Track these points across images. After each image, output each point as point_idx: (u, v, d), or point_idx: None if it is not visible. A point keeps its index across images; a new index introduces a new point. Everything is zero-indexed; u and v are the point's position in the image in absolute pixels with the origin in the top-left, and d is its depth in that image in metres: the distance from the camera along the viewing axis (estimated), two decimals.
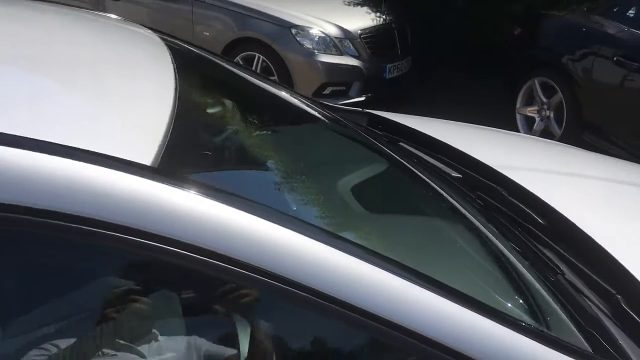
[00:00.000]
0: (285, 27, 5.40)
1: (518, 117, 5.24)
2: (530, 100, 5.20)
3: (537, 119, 5.10)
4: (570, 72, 4.79)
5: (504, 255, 1.50)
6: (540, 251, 1.61)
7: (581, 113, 4.74)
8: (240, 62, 5.52)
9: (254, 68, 5.52)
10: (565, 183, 2.07)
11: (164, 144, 1.05)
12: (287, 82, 5.34)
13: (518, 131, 5.14)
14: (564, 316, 1.36)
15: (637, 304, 1.39)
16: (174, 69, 1.42)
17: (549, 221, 1.74)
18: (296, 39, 5.38)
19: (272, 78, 5.42)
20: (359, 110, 2.58)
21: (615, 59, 4.44)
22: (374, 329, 1.02)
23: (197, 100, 1.65)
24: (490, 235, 1.59)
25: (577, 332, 1.32)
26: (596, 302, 1.45)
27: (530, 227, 1.71)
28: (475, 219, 1.67)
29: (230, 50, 5.57)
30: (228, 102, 1.91)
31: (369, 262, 1.05)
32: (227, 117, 1.78)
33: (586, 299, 1.46)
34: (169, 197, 0.92)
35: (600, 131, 4.65)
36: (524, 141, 2.57)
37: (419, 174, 1.96)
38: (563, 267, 1.56)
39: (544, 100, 5.02)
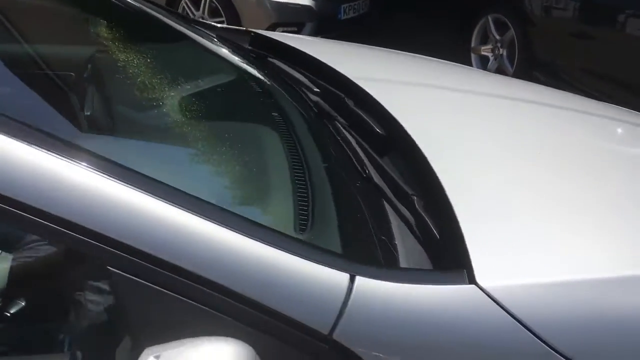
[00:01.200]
0: None
1: (473, 57, 5.06)
2: (485, 39, 5.02)
3: (491, 58, 4.92)
4: (521, 6, 4.59)
5: (307, 163, 1.37)
6: (357, 158, 1.48)
7: (532, 50, 4.56)
8: (187, 4, 5.35)
9: (201, 10, 5.35)
10: (433, 96, 1.92)
11: None
12: (236, 23, 5.17)
13: None
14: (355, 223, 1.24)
15: (431, 204, 1.27)
16: None
17: (387, 130, 1.61)
18: None
19: (220, 20, 5.27)
20: (241, 29, 2.45)
21: None
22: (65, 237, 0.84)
23: None
24: (303, 142, 1.46)
25: (374, 238, 1.21)
26: (397, 205, 1.33)
27: (355, 135, 1.58)
28: (297, 125, 1.55)
29: None
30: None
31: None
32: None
33: (387, 203, 1.34)
34: None
35: (550, 68, 4.47)
36: (410, 59, 2.41)
37: (269, 86, 1.84)
38: (375, 173, 1.43)
39: (497, 37, 4.83)
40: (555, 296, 1.02)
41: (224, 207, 0.98)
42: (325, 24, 5.37)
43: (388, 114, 1.64)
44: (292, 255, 0.89)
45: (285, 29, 5.22)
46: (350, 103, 1.75)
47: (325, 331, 0.89)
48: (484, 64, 4.98)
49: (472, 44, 5.04)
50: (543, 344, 0.98)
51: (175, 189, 0.89)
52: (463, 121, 1.73)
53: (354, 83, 1.85)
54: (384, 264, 1.10)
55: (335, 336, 0.89)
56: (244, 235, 0.88)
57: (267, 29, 5.16)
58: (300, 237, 1.12)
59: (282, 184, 1.29)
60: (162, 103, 1.55)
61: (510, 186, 1.36)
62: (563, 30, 4.39)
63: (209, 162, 1.33)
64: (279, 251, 0.88)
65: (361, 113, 1.69)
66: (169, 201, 0.86)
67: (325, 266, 0.91)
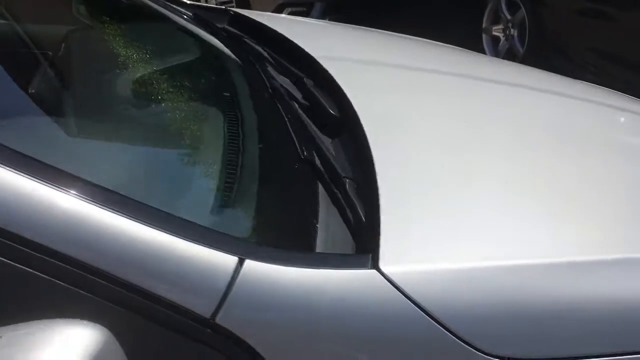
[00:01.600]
0: None
1: (484, 37, 4.95)
2: (497, 20, 4.90)
3: (502, 39, 4.81)
4: None
5: (244, 143, 1.35)
6: (301, 139, 1.45)
7: (543, 30, 4.44)
8: None
9: None
10: (400, 77, 1.88)
11: None
12: (244, 4, 5.14)
13: (484, 53, 4.87)
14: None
15: (363, 187, 1.24)
16: None
17: (339, 111, 1.58)
18: None
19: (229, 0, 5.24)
20: (220, 9, 2.44)
21: None
22: None
23: None
24: (246, 122, 1.44)
25: (294, 221, 1.18)
26: (332, 188, 1.30)
27: (305, 116, 1.55)
28: (244, 105, 1.53)
29: None
30: None
31: None
32: None
33: (322, 186, 1.31)
34: None
35: (560, 49, 4.35)
36: (390, 39, 2.36)
37: (229, 65, 1.83)
38: (316, 155, 1.40)
39: (508, 17, 4.71)
40: (460, 282, 0.99)
41: (139, 182, 0.97)
42: (336, 4, 5.30)
43: (343, 95, 1.61)
44: (171, 236, 0.87)
45: (293, 9, 5.17)
46: (308, 83, 1.72)
47: (207, 315, 0.87)
48: (495, 44, 4.87)
49: (484, 24, 4.93)
50: (443, 329, 0.95)
51: (29, 158, 0.86)
52: (423, 103, 1.68)
53: (318, 63, 1.81)
54: (294, 247, 1.08)
55: (218, 320, 0.88)
56: (116, 213, 0.86)
57: (274, 11, 5.12)
58: (214, 217, 1.11)
59: (210, 163, 1.27)
60: (110, 79, 1.54)
61: (450, 172, 1.31)
62: (574, 9, 4.25)
63: (141, 135, 1.32)
64: (157, 231, 0.86)
65: (316, 93, 1.66)
66: (19, 170, 0.83)
67: (211, 248, 0.89)
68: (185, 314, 0.86)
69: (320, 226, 1.17)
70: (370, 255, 1.00)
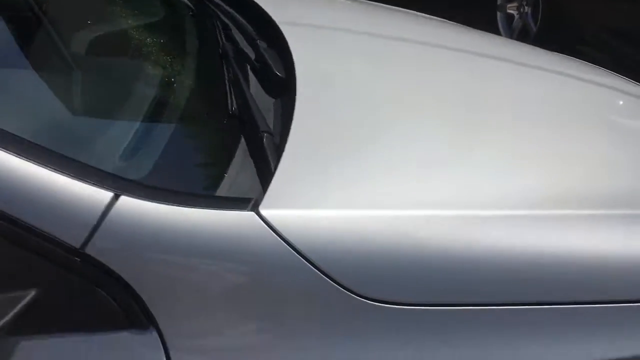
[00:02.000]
0: None
1: (499, 15, 4.88)
2: None
3: (516, 16, 4.74)
4: None
5: (174, 95, 1.39)
6: (237, 97, 1.48)
7: (556, 8, 4.36)
8: None
9: None
10: (362, 44, 1.89)
11: None
12: None
13: (498, 31, 4.80)
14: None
15: (279, 142, 1.26)
16: None
17: (285, 74, 1.61)
18: None
19: None
20: None
21: None
22: None
23: None
24: (184, 79, 1.48)
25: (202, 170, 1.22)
26: (253, 142, 1.33)
27: (247, 76, 1.58)
28: (188, 64, 1.57)
29: None
30: None
31: None
32: None
33: (245, 140, 1.34)
34: None
35: (573, 28, 4.27)
36: (367, 8, 2.35)
37: (187, 27, 1.86)
38: (247, 112, 1.43)
39: None
40: (339, 228, 1.01)
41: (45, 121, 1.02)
42: None
43: (290, 57, 1.64)
44: (43, 168, 0.92)
45: None
46: (261, 45, 1.74)
47: (76, 244, 0.92)
48: (509, 22, 4.81)
49: (499, 1, 4.86)
50: (319, 272, 0.98)
51: None
52: (372, 69, 1.69)
53: (277, 27, 1.84)
54: (194, 191, 1.11)
55: (87, 250, 0.92)
56: None
57: None
58: (121, 160, 1.16)
59: (134, 108, 1.31)
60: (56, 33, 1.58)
61: (369, 129, 1.33)
62: None
63: (65, 78, 1.37)
64: (28, 162, 0.91)
65: (265, 55, 1.68)
66: None
67: (85, 183, 0.93)
68: (54, 242, 0.91)
69: (230, 175, 1.20)
70: (254, 198, 1.03)
